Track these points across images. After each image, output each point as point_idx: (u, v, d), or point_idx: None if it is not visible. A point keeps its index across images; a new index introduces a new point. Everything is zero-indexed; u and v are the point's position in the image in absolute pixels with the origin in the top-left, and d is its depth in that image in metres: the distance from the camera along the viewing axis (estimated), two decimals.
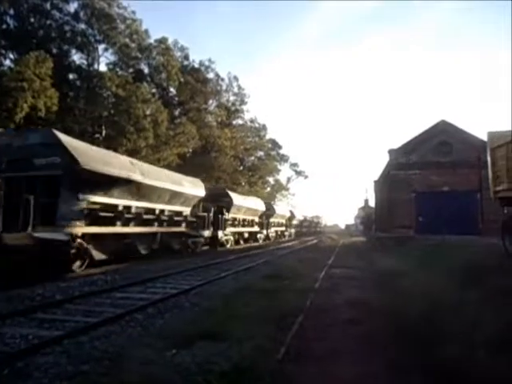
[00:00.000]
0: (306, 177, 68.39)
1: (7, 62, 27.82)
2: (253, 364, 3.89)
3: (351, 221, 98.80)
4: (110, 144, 28.52)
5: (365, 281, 10.33)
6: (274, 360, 4.13)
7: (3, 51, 28.23)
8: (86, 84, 29.44)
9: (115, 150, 27.60)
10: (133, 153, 27.90)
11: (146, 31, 34.12)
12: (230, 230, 24.37)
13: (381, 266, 12.71)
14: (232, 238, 24.92)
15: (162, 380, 3.57)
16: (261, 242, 31.60)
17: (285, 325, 5.55)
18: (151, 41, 34.63)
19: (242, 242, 27.56)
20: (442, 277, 8.18)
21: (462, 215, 23.65)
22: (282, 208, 43.47)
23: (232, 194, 25.19)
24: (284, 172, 66.66)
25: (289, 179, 67.90)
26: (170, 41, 36.63)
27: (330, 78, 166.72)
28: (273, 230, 37.57)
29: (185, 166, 35.33)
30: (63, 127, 26.82)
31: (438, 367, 3.82)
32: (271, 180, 64.43)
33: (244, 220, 27.65)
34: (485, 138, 22.65)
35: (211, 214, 20.95)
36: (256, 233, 31.00)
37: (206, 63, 42.20)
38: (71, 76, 31.29)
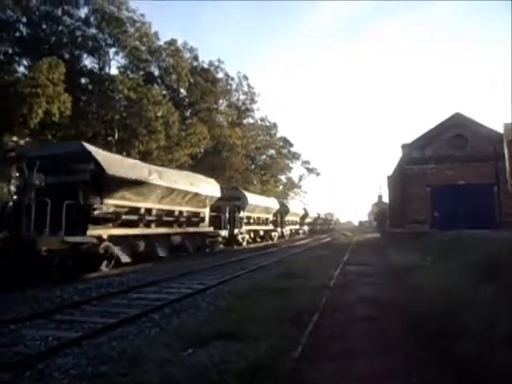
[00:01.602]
0: (318, 174, 68.02)
1: (21, 69, 28.41)
2: (269, 363, 3.89)
3: (365, 217, 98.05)
4: (123, 147, 28.88)
5: (380, 278, 10.25)
6: (290, 359, 4.12)
7: (17, 58, 28.80)
8: (98, 88, 29.83)
9: (128, 153, 27.96)
10: (145, 155, 28.20)
11: (156, 33, 34.40)
12: (245, 228, 24.76)
13: (395, 262, 12.58)
14: (247, 236, 25.56)
15: (179, 380, 3.60)
16: (275, 240, 31.40)
17: (300, 323, 5.53)
18: (161, 43, 34.91)
19: (258, 239, 28.17)
20: (458, 273, 8.04)
21: (479, 209, 23.18)
22: (296, 206, 42.64)
23: (246, 194, 25.65)
24: (296, 170, 66.47)
25: (301, 177, 67.67)
26: (180, 42, 36.85)
27: (340, 73, 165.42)
28: (287, 228, 36.85)
29: (197, 166, 35.54)
30: (77, 132, 27.32)
31: (455, 368, 3.76)
32: (283, 178, 64.31)
33: (258, 218, 28.00)
34: (501, 129, 22.20)
35: (227, 214, 21.37)
36: (270, 231, 31.04)
37: (216, 63, 42.34)
38: (83, 80, 31.74)
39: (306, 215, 45.97)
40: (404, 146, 27.10)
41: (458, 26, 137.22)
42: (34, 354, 4.50)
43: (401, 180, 27.76)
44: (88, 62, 32.37)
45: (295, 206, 43.11)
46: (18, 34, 28.40)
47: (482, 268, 7.89)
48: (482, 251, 9.94)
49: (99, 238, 11.01)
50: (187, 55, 38.81)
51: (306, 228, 47.25)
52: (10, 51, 28.30)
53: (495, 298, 5.31)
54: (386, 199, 48.35)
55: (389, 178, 36.14)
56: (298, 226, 42.18)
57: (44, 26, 29.65)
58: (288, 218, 36.67)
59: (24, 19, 28.60)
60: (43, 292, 8.18)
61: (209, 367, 3.95)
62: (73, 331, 5.54)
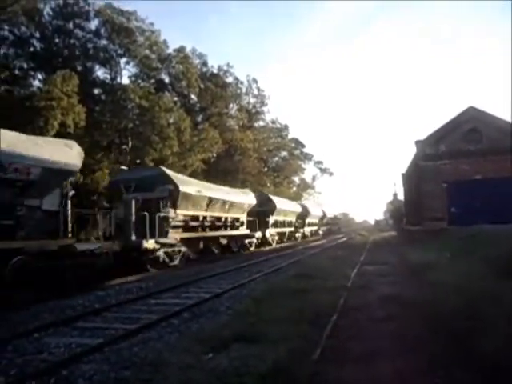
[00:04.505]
0: (332, 174, 67.67)
1: (36, 83, 29.11)
2: (289, 366, 3.89)
3: (381, 216, 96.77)
4: (137, 154, 29.25)
5: (398, 277, 10.12)
6: (310, 361, 4.12)
7: (32, 73, 29.52)
8: (111, 97, 30.30)
9: (142, 160, 28.33)
10: (159, 161, 28.50)
11: (165, 41, 34.76)
12: (274, 230, 27.75)
13: (414, 260, 12.41)
14: (276, 237, 28.42)
15: None
16: (299, 240, 34.79)
17: (319, 325, 5.52)
18: (170, 50, 35.25)
19: (284, 240, 30.99)
20: (479, 270, 7.91)
21: (498, 203, 22.63)
22: (315, 208, 44.54)
23: (275, 199, 27.92)
24: (309, 171, 66.24)
25: (314, 177, 67.41)
26: (188, 49, 37.20)
27: (350, 70, 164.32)
28: (308, 229, 40.20)
29: (210, 170, 35.75)
30: (92, 141, 27.81)
31: (479, 369, 3.69)
32: (296, 179, 64.15)
33: (284, 221, 30.76)
34: None
35: (258, 218, 24.05)
36: (294, 232, 34.27)
37: (225, 68, 42.53)
38: (96, 91, 32.29)
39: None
40: (418, 143, 26.70)
41: (463, 21, 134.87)
42: (58, 361, 4.61)
43: (416, 177, 27.38)
44: (100, 72, 32.98)
45: (315, 208, 45.16)
46: (31, 49, 29.12)
47: (504, 264, 7.75)
48: (502, 247, 9.75)
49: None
50: (196, 61, 39.16)
51: (323, 228, 49.23)
52: (25, 66, 29.04)
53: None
54: (401, 197, 47.58)
55: (403, 175, 35.65)
56: (316, 227, 45.32)
57: (57, 40, 30.33)
58: (309, 220, 39.89)
59: (37, 34, 29.32)
60: (65, 300, 8.36)
61: (229, 371, 3.98)
62: (95, 338, 5.65)
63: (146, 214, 12.86)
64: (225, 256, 18.58)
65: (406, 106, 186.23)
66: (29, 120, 21.65)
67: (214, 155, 38.70)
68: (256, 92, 48.91)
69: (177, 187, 14.38)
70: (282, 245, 28.49)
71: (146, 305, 7.94)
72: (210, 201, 17.15)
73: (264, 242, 25.87)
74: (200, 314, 7.06)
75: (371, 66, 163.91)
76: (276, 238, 28.59)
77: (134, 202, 12.93)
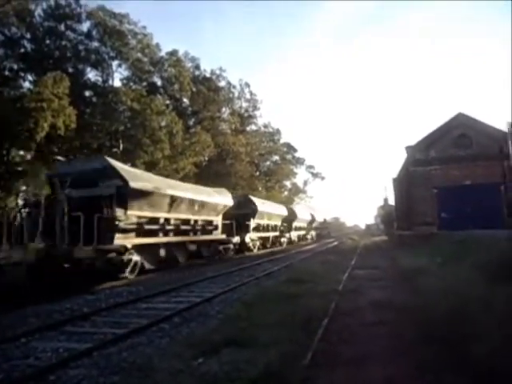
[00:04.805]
0: (323, 178, 68.01)
1: (26, 84, 28.83)
2: (280, 370, 3.86)
3: (371, 220, 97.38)
4: (128, 157, 29.06)
5: (389, 281, 10.17)
6: (301, 365, 4.09)
7: (22, 74, 29.22)
8: (102, 100, 30.12)
9: (133, 163, 28.15)
10: (151, 165, 28.36)
11: (157, 45, 34.77)
12: (255, 235, 25.33)
13: (405, 265, 12.48)
14: (258, 242, 26.12)
15: None
16: (285, 245, 32.68)
17: (310, 329, 5.49)
18: (163, 54, 35.27)
19: (268, 245, 28.88)
20: (469, 274, 7.96)
21: (487, 209, 22.97)
22: (303, 212, 42.54)
23: (256, 200, 25.87)
24: (301, 175, 66.52)
25: (306, 182, 67.71)
26: (181, 52, 37.25)
27: (343, 75, 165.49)
28: (295, 234, 37.70)
29: (201, 174, 35.66)
30: (82, 144, 27.55)
31: (470, 375, 3.70)
32: (288, 184, 64.35)
33: (268, 225, 28.65)
34: (505, 128, 22.09)
35: (236, 221, 21.82)
36: (279, 237, 32.16)
37: (217, 72, 42.61)
38: (87, 93, 32.07)
39: (313, 220, 46.71)
40: (408, 148, 26.98)
41: (459, 24, 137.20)
42: (45, 366, 4.52)
43: (406, 182, 27.62)
44: (91, 75, 32.79)
45: (303, 211, 42.92)
46: (22, 50, 28.84)
47: (494, 269, 7.81)
48: (492, 252, 9.85)
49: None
50: (189, 65, 39.17)
51: (312, 233, 47.66)
52: (16, 67, 28.74)
53: (505, 299, 5.25)
54: (392, 202, 47.93)
55: (394, 180, 35.97)
56: (304, 232, 43.07)
57: (48, 42, 30.08)
58: (296, 224, 37.37)
59: (28, 35, 29.06)
60: (53, 304, 8.22)
61: (220, 376, 3.94)
62: (83, 342, 5.55)
63: (81, 214, 10.48)
64: (212, 262, 17.82)
65: (398, 111, 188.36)
66: (19, 121, 21.39)
67: (206, 159, 38.68)
68: (248, 96, 49.16)
69: (126, 183, 11.68)
70: (273, 249, 28.32)
71: (136, 309, 7.84)
72: (173, 200, 14.54)
73: (243, 248, 23.43)
74: (190, 318, 7.00)
75: (370, 66, 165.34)
76: (258, 243, 26.02)
77: (66, 201, 10.65)
